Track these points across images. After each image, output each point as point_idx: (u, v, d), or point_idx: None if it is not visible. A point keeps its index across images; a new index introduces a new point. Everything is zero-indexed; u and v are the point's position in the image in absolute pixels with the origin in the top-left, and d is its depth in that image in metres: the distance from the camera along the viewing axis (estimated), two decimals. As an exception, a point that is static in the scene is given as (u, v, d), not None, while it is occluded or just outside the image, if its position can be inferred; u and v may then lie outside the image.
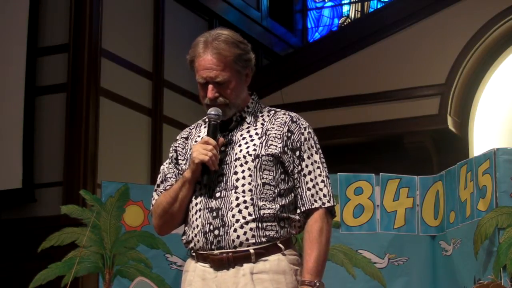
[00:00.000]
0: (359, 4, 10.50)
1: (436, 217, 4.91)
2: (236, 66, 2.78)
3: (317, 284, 2.68)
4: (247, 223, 2.69)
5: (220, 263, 2.71)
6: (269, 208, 2.71)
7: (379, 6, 10.10)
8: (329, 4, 10.68)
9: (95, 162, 6.83)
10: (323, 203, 2.77)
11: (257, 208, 2.70)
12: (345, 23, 10.40)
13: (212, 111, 2.77)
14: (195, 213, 2.76)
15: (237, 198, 2.71)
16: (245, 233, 2.69)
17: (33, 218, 6.83)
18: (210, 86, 2.77)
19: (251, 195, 2.71)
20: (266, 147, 2.76)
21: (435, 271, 4.92)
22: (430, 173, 5.37)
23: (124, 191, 5.08)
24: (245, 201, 2.71)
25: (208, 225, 2.72)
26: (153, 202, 2.88)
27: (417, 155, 8.33)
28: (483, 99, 8.45)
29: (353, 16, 10.50)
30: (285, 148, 2.78)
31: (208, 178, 2.75)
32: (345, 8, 10.62)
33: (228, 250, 2.69)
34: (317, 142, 2.85)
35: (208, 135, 2.76)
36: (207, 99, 2.78)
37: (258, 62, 9.32)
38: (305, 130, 2.82)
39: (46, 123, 6.99)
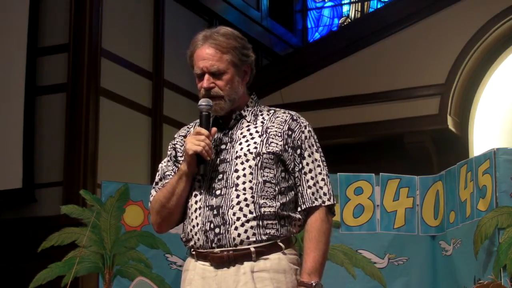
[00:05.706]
0: (359, 4, 10.50)
1: (436, 217, 4.91)
2: (232, 58, 2.79)
3: (314, 284, 2.69)
4: (248, 221, 2.69)
5: (221, 262, 2.70)
6: (269, 206, 2.71)
7: (379, 6, 10.10)
8: (329, 4, 10.69)
9: (95, 162, 6.83)
10: (323, 202, 2.77)
11: (257, 206, 2.70)
12: (345, 23, 10.41)
13: (202, 102, 2.77)
14: (195, 211, 2.76)
15: (237, 196, 2.71)
16: (245, 231, 2.69)
17: (33, 218, 6.82)
18: (206, 76, 2.78)
19: (252, 193, 2.71)
20: (267, 145, 2.76)
21: (435, 271, 4.92)
22: (430, 173, 5.36)
23: (124, 191, 5.08)
24: (245, 199, 2.70)
25: (209, 223, 2.72)
26: (151, 198, 2.87)
27: (417, 155, 8.33)
28: (483, 99, 8.45)
29: (353, 16, 10.50)
30: (286, 146, 2.78)
31: (204, 168, 2.74)
32: (345, 8, 10.62)
33: (229, 248, 2.69)
34: (317, 140, 2.86)
35: (200, 126, 2.76)
36: (202, 90, 2.79)
37: (258, 62, 9.32)
38: (305, 128, 2.83)
39: (46, 123, 6.99)
